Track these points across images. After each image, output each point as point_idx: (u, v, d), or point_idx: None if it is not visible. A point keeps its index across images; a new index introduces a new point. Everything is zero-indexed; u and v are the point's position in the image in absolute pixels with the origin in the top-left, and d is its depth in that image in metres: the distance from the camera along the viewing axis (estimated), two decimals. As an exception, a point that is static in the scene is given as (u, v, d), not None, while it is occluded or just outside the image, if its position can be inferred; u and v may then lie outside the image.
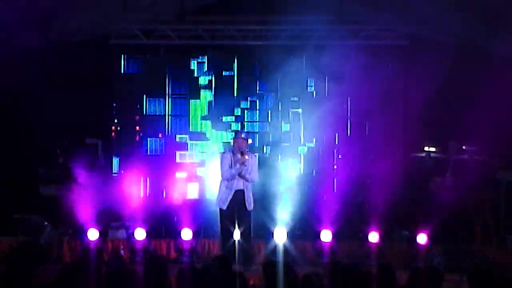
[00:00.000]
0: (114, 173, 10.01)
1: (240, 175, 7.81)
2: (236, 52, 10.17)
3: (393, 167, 9.12)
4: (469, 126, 8.52)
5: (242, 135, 8.14)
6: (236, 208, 7.82)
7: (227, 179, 7.87)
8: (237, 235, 7.77)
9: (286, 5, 9.46)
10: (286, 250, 7.99)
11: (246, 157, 7.80)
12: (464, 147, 9.23)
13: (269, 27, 9.88)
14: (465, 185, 8.56)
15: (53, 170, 9.32)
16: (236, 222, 7.78)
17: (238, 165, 7.78)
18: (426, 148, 9.69)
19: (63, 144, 9.43)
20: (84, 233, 8.01)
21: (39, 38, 9.44)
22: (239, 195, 7.84)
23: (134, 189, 9.21)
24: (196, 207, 9.20)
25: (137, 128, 10.22)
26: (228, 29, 9.91)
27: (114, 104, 10.18)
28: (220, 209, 7.88)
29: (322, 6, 9.58)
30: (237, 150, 7.90)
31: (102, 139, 9.91)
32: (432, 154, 9.61)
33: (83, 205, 8.24)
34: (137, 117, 10.26)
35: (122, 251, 8.42)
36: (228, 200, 7.83)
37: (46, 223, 8.63)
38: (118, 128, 10.21)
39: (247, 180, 7.85)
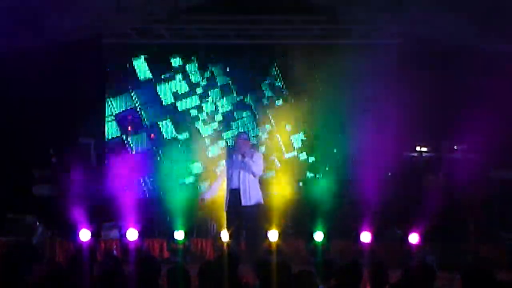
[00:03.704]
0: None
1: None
2: (229, 51, 10.18)
3: (386, 166, 9.14)
4: (462, 125, 8.53)
5: (243, 136, 8.25)
6: (234, 207, 7.95)
7: None
8: (225, 235, 7.87)
9: (280, 5, 9.46)
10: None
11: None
12: (456, 146, 9.24)
13: (263, 27, 9.86)
14: (458, 184, 8.58)
15: (46, 170, 9.30)
16: (234, 220, 7.92)
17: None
18: (418, 148, 9.69)
19: (56, 144, 9.40)
20: (76, 233, 7.95)
21: (31, 38, 9.39)
22: (234, 193, 7.97)
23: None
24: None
25: (129, 128, 10.18)
26: (222, 29, 9.90)
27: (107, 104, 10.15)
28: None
29: (315, 5, 9.61)
30: (237, 150, 8.03)
31: (94, 139, 9.87)
32: (424, 154, 9.61)
33: (76, 205, 8.22)
34: (130, 117, 10.23)
35: (115, 251, 8.37)
36: (227, 201, 8.05)
37: (38, 223, 8.60)
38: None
39: (253, 174, 7.94)
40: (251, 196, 7.97)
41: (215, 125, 10.24)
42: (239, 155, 8.02)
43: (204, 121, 10.23)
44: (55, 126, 9.29)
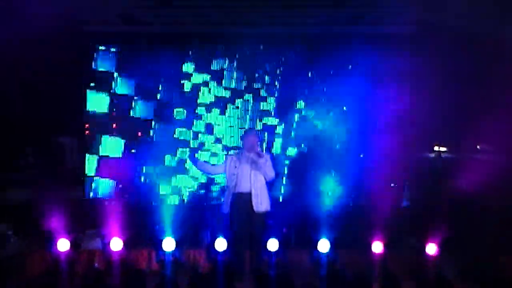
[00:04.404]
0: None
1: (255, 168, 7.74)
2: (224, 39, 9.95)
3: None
4: (484, 123, 8.35)
5: (254, 133, 8.09)
6: (242, 211, 7.75)
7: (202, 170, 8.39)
8: (222, 245, 7.74)
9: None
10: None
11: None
12: (478, 146, 9.15)
13: (262, 13, 9.56)
14: (479, 187, 8.40)
15: (20, 173, 9.13)
16: (244, 225, 7.75)
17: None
18: (436, 148, 9.55)
19: (32, 143, 9.26)
20: (54, 243, 7.80)
21: (5, 26, 9.24)
22: (244, 197, 7.74)
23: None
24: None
25: (114, 126, 9.90)
26: (215, 15, 9.61)
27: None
28: (226, 214, 7.87)
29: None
30: (248, 148, 7.80)
31: (74, 138, 9.73)
32: (443, 154, 9.53)
33: (54, 211, 8.04)
34: (114, 113, 9.93)
35: (96, 264, 8.23)
36: (229, 203, 7.81)
37: (10, 232, 8.42)
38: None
39: (265, 176, 7.76)
40: (262, 201, 7.75)
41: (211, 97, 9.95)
42: (253, 154, 7.77)
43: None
44: (30, 123, 9.07)
